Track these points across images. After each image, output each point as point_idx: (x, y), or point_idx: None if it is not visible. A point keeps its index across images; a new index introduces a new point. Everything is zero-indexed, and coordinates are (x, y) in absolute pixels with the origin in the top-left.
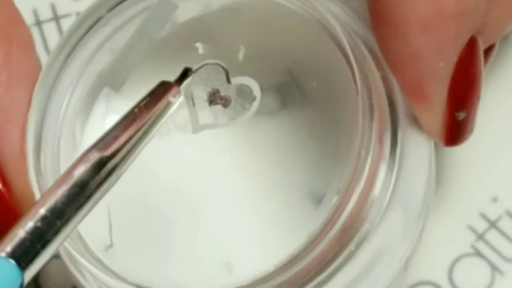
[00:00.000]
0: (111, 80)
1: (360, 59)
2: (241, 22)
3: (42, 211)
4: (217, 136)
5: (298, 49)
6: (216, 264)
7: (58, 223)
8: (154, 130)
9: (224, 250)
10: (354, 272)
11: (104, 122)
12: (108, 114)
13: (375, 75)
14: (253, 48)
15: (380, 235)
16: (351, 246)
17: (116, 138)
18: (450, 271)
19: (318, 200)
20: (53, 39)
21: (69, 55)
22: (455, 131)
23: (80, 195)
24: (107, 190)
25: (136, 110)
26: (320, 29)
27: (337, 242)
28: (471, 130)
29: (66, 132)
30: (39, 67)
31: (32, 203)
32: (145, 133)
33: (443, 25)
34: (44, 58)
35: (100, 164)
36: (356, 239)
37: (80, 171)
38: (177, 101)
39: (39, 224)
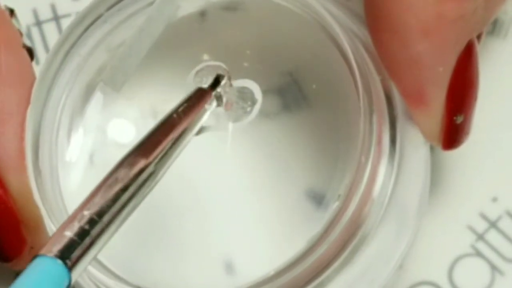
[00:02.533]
0: (111, 80)
1: (361, 63)
2: (241, 23)
3: (87, 212)
4: (217, 137)
5: (298, 51)
6: (217, 265)
7: (102, 224)
8: (190, 136)
9: (224, 251)
10: (353, 274)
11: (100, 118)
12: (103, 111)
13: (375, 78)
14: (254, 49)
15: (378, 238)
16: (350, 249)
17: (157, 143)
18: (450, 271)
19: (318, 201)
20: (53, 39)
21: (68, 52)
22: (453, 134)
23: (122, 197)
24: (147, 193)
25: (174, 115)
26: (321, 31)
27: (336, 245)
28: (468, 133)
29: (63, 128)
30: (28, 65)
31: (30, 202)
32: (183, 138)
33: (443, 30)
34: (44, 58)
35: (142, 168)
36: (355, 242)
37: (122, 175)
38: (210, 107)
39: (84, 225)
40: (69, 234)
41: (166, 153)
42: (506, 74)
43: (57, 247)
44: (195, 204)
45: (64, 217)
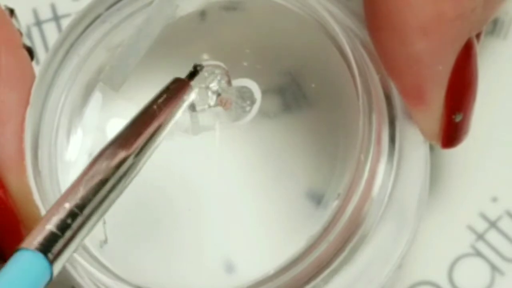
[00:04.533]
0: (110, 80)
1: (360, 62)
2: (241, 23)
3: (67, 205)
4: (217, 137)
5: (298, 50)
6: (217, 265)
7: (82, 217)
8: (169, 127)
9: (224, 250)
10: (352, 273)
11: (99, 118)
12: (103, 111)
13: (374, 77)
14: (253, 49)
15: (378, 237)
16: (350, 248)
17: (137, 135)
18: (450, 271)
19: (317, 200)
20: (53, 39)
21: (67, 52)
22: (452, 133)
23: (103, 190)
24: (127, 185)
25: (154, 107)
26: (320, 30)
27: (336, 245)
28: (467, 132)
29: (62, 128)
30: (28, 66)
31: (30, 202)
32: (162, 130)
33: (442, 29)
34: (44, 58)
35: (122, 160)
36: (355, 241)
37: (103, 167)
38: (189, 98)
39: (64, 218)
40: (50, 227)
41: (145, 145)
42: (506, 74)
43: (38, 240)
44: (194, 203)
45: None
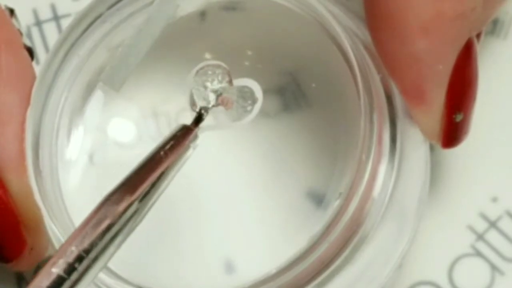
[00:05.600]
0: (111, 80)
1: (361, 62)
2: (242, 23)
3: (74, 249)
4: (218, 138)
5: (298, 50)
6: (217, 265)
7: (88, 260)
8: (173, 173)
9: (224, 250)
10: (353, 273)
11: (99, 118)
12: (103, 111)
13: (375, 77)
14: (254, 49)
15: (378, 237)
16: (351, 248)
17: (143, 181)
18: (450, 271)
19: (318, 200)
20: (53, 39)
21: (67, 52)
22: (452, 133)
23: (108, 234)
24: (132, 229)
25: (161, 153)
26: (321, 30)
27: (336, 244)
28: (467, 132)
29: (63, 128)
30: (29, 66)
31: (30, 202)
32: (167, 176)
33: (442, 28)
34: (44, 58)
35: (128, 206)
36: (355, 241)
37: (109, 212)
38: (194, 145)
39: (72, 262)
40: (57, 271)
41: (150, 191)
42: (506, 74)
43: (45, 283)
44: (195, 203)
45: (64, 217)
